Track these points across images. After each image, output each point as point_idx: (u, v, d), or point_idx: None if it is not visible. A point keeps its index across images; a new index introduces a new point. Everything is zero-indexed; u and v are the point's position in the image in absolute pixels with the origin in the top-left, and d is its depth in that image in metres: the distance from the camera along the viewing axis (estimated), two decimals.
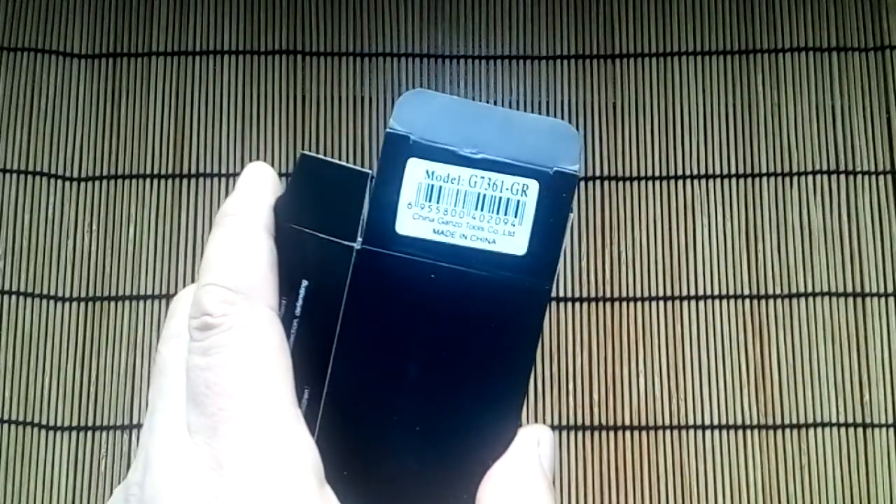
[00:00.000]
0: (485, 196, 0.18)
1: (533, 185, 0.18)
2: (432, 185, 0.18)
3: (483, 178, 0.18)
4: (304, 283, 0.19)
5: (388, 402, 0.19)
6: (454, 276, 0.18)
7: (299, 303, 0.19)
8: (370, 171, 0.19)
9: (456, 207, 0.18)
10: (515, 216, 0.18)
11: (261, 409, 0.17)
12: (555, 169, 0.18)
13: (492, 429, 0.19)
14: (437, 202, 0.18)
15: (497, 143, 0.18)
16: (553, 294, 0.65)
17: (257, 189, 0.20)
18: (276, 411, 0.18)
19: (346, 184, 0.19)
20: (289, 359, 0.19)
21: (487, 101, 0.69)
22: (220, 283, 0.19)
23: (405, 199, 0.18)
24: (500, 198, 0.18)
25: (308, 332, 0.19)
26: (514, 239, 0.18)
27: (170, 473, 0.17)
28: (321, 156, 0.20)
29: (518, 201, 0.18)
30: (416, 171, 0.18)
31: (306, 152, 0.20)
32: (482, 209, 0.18)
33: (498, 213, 0.18)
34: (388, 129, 0.19)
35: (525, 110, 0.69)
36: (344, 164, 0.19)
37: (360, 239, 0.19)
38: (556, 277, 0.19)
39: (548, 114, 0.69)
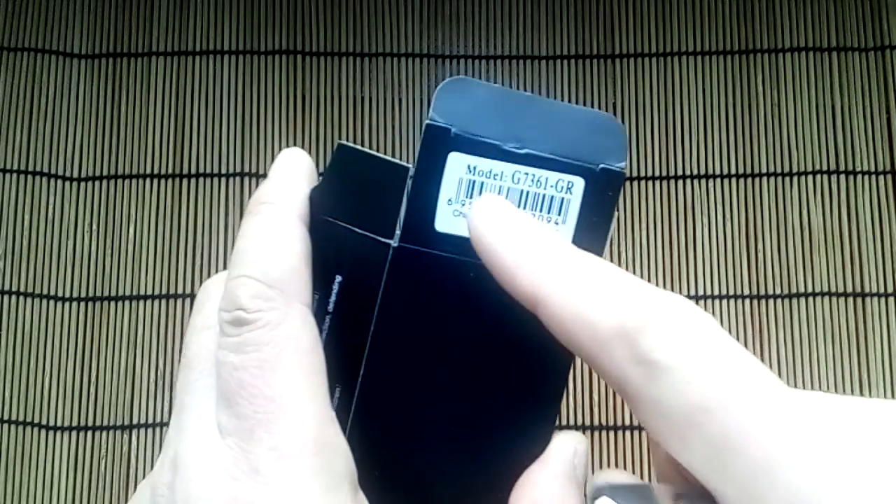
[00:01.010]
0: (528, 193, 0.18)
1: (578, 183, 0.18)
2: (474, 181, 0.17)
3: (527, 174, 0.17)
4: (338, 278, 0.18)
5: (421, 403, 0.18)
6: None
7: (332, 298, 0.19)
8: (409, 165, 0.18)
9: None
10: (559, 214, 0.18)
11: (297, 414, 0.17)
12: (601, 166, 0.17)
13: (527, 433, 0.18)
14: (475, 199, 0.17)
15: (541, 137, 0.18)
16: None
17: (293, 177, 0.19)
18: (312, 415, 0.17)
19: (384, 177, 0.18)
20: (323, 359, 0.18)
21: None
22: (255, 276, 0.18)
23: (445, 195, 0.18)
24: (545, 195, 0.18)
25: (341, 330, 0.19)
26: None
27: (202, 477, 0.17)
28: (359, 146, 0.19)
29: (563, 199, 0.18)
30: (457, 166, 0.17)
31: (343, 142, 0.19)
32: (525, 207, 0.18)
33: (541, 210, 0.18)
34: (428, 121, 0.18)
35: None
36: (382, 156, 0.18)
37: (397, 234, 0.18)
38: None
39: None
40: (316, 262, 0.18)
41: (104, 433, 0.64)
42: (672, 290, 0.65)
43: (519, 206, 0.18)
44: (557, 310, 0.16)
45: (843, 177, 0.67)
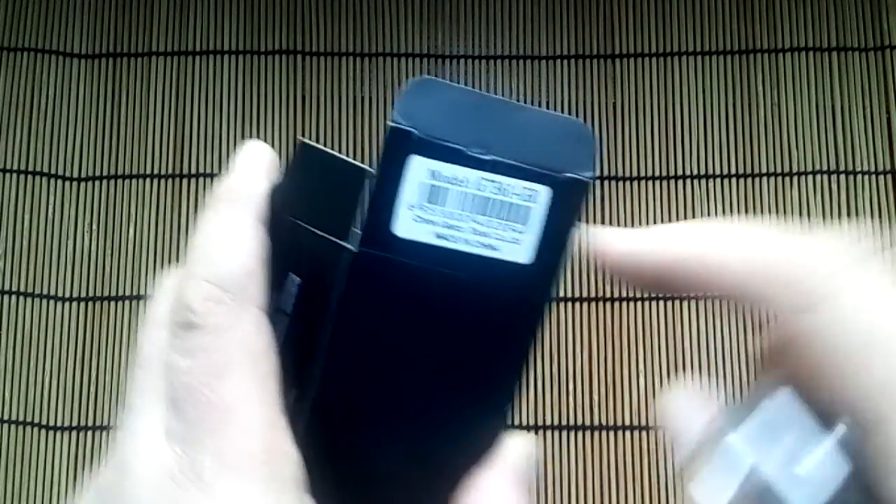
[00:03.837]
0: (491, 200, 0.17)
1: (543, 192, 0.17)
2: (436, 187, 0.17)
3: (491, 181, 0.17)
4: (297, 279, 0.18)
5: (376, 406, 0.18)
6: (453, 284, 0.17)
7: (290, 299, 0.18)
8: (371, 169, 0.17)
9: (460, 211, 0.17)
10: (522, 223, 0.17)
11: (245, 422, 0.17)
12: (567, 175, 0.17)
13: (477, 437, 0.18)
14: (441, 205, 0.17)
15: (507, 143, 0.17)
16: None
17: (254, 172, 0.19)
18: (260, 424, 0.17)
19: (345, 179, 0.18)
20: (276, 364, 0.18)
21: None
22: (208, 277, 0.17)
23: (406, 199, 0.17)
24: (508, 203, 0.17)
25: (298, 331, 0.18)
26: (518, 247, 0.17)
27: (147, 481, 0.17)
28: (321, 146, 0.19)
29: (526, 207, 0.17)
30: (419, 171, 0.17)
31: (305, 140, 0.19)
32: (488, 214, 0.17)
33: (504, 219, 0.17)
34: (390, 123, 0.17)
35: None
36: (343, 157, 0.18)
37: (357, 237, 0.17)
38: (557, 288, 0.18)
39: None
40: (275, 260, 0.18)
41: (104, 433, 0.64)
42: None
43: (482, 213, 0.17)
44: (720, 266, 0.17)
45: (843, 177, 0.67)
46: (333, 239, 0.17)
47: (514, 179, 0.17)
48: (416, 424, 0.18)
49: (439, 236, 0.17)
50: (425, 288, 0.17)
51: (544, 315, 0.18)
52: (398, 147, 0.17)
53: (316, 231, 0.18)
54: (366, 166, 0.18)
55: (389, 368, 0.18)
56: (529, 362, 0.18)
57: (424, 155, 0.17)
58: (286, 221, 0.18)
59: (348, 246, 0.17)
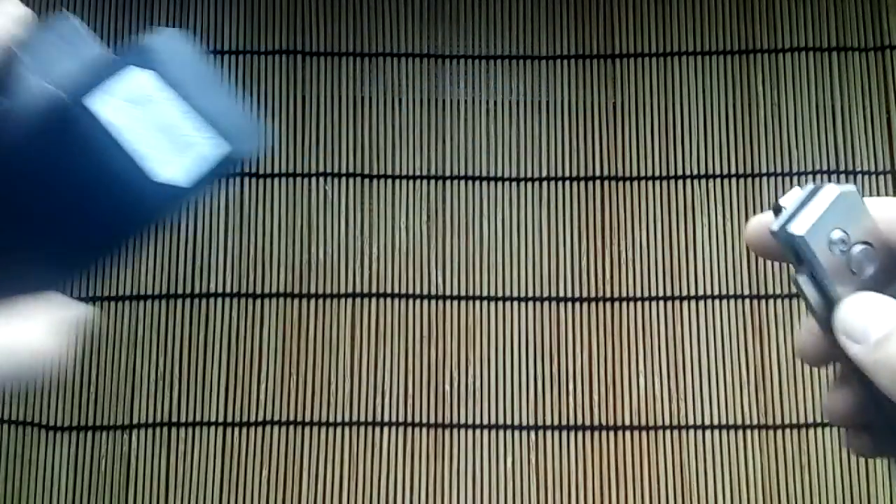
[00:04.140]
0: (175, 127, 0.23)
1: (212, 143, 0.23)
2: (142, 94, 0.23)
3: (182, 112, 0.23)
4: (5, 103, 0.23)
5: (24, 210, 0.24)
6: (111, 162, 0.23)
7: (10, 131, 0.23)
8: (110, 58, 0.23)
9: (147, 118, 0.23)
10: (180, 152, 0.23)
11: None
12: (232, 145, 0.24)
13: (51, 276, 0.24)
14: (135, 105, 0.23)
15: (208, 100, 0.24)
16: (545, 294, 0.65)
17: (12, 16, 0.23)
18: None
19: (84, 53, 0.24)
20: None
21: (487, 101, 0.69)
22: None
23: (119, 90, 0.23)
24: (181, 134, 0.23)
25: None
26: (163, 166, 0.23)
27: None
28: (76, 21, 0.24)
29: (191, 144, 0.23)
30: (139, 79, 0.23)
31: (66, 13, 0.24)
32: (162, 131, 0.23)
33: (170, 141, 0.23)
34: (141, 41, 0.23)
35: (525, 110, 0.69)
36: (88, 37, 0.24)
37: (70, 96, 0.23)
38: (178, 215, 0.23)
39: (548, 114, 0.69)
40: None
41: (104, 433, 0.64)
42: (672, 290, 0.65)
43: (161, 130, 0.23)
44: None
45: (843, 177, 0.67)
46: (55, 89, 0.23)
47: (198, 121, 0.23)
48: (24, 240, 0.24)
49: (123, 126, 0.23)
50: (95, 153, 0.23)
51: (153, 226, 0.24)
52: (135, 57, 0.23)
53: (45, 83, 0.23)
54: (105, 51, 0.24)
55: (30, 192, 0.23)
56: (120, 251, 0.24)
57: (148, 70, 0.23)
58: (20, 60, 0.23)
59: (58, 93, 0.23)
